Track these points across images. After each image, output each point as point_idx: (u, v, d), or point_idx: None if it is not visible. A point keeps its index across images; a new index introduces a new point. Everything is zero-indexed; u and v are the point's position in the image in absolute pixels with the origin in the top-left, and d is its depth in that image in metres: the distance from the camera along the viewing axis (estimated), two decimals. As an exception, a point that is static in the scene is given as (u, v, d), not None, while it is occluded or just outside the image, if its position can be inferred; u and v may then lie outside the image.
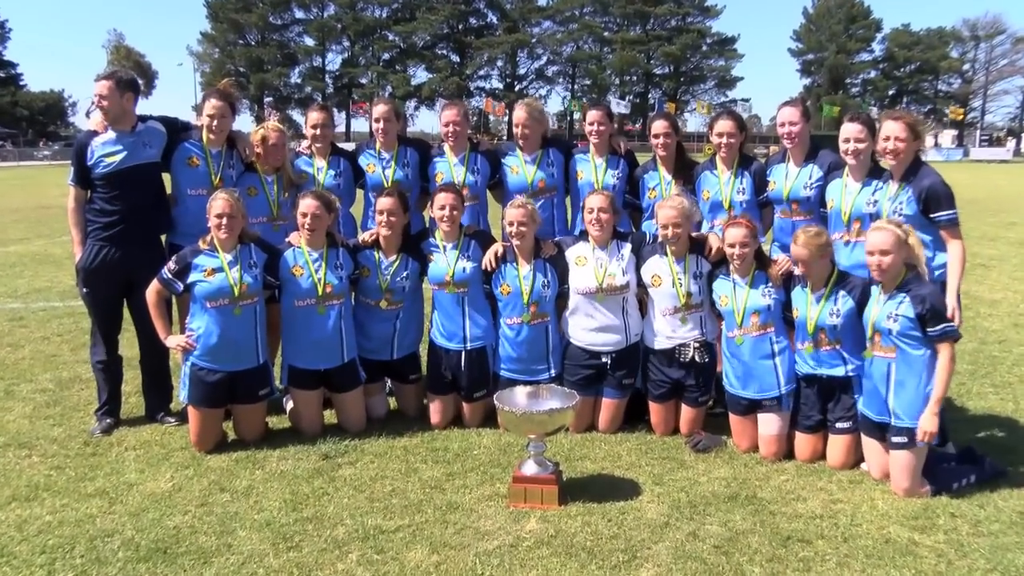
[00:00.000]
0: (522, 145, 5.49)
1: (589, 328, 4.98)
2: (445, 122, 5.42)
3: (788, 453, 4.63)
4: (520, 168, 5.48)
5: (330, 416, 5.26)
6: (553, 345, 5.06)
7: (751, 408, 4.70)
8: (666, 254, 4.87)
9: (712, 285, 4.81)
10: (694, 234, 4.91)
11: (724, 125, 5.10)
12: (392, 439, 4.92)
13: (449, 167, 5.47)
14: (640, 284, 4.98)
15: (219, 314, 4.65)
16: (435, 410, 5.13)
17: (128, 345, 5.39)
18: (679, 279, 4.82)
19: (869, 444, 4.34)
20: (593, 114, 5.39)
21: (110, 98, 4.80)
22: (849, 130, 4.62)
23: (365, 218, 5.46)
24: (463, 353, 5.08)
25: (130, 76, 4.95)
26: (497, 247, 5.11)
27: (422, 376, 5.32)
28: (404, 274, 5.08)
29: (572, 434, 4.99)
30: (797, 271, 4.55)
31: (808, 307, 4.46)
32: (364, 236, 5.14)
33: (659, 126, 5.27)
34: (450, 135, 5.41)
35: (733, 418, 4.80)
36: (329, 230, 4.97)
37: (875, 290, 4.26)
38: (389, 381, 5.54)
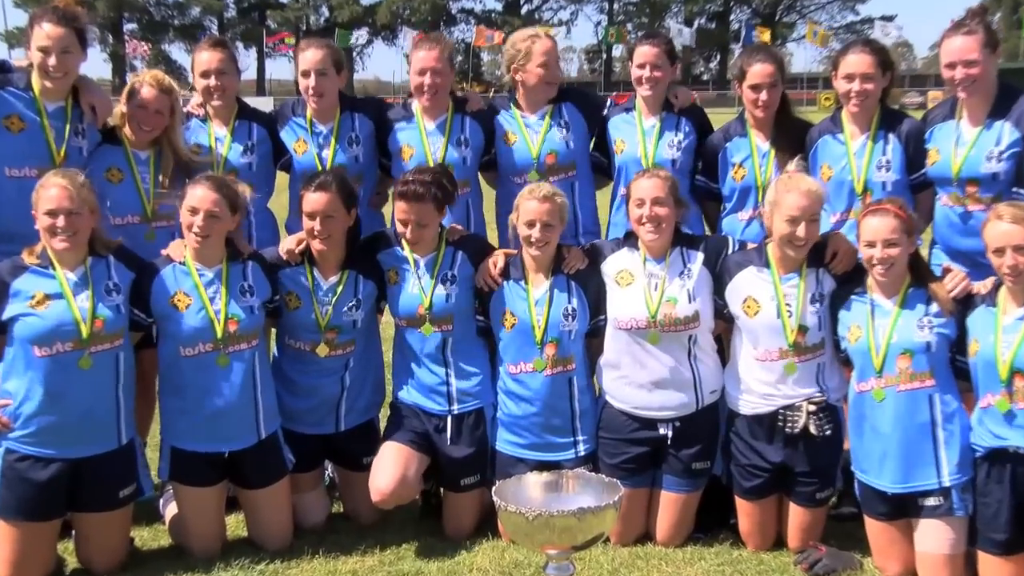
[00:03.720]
0: (522, 98, 5.55)
1: (639, 383, 4.98)
2: (418, 68, 5.46)
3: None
4: (519, 134, 5.54)
5: (237, 526, 5.20)
6: (582, 408, 5.08)
7: (900, 509, 4.63)
8: (768, 266, 4.87)
9: (838, 312, 4.79)
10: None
11: (856, 62, 5.11)
12: (334, 559, 4.87)
13: (421, 137, 5.52)
14: (720, 315, 5.00)
15: (56, 367, 4.59)
16: (385, 468, 5.02)
17: None
18: (788, 305, 4.80)
19: None
20: (645, 51, 5.45)
21: None
22: None
23: (292, 216, 5.46)
24: (448, 419, 5.13)
25: None
26: (497, 256, 5.15)
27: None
28: (353, 302, 5.10)
29: (615, 547, 4.97)
30: (979, 288, 4.55)
31: (998, 335, 4.39)
32: (289, 244, 5.15)
33: (760, 70, 5.28)
34: (426, 88, 5.45)
35: (872, 525, 4.74)
36: (231, 236, 4.98)
37: None
38: (331, 467, 5.55)
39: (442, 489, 5.29)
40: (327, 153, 5.49)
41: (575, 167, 5.54)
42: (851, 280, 4.79)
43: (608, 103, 5.71)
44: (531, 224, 4.91)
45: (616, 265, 5.04)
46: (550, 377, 5.00)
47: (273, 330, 5.26)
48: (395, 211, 5.03)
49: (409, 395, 5.20)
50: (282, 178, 5.76)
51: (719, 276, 4.96)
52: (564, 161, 5.50)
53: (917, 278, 4.64)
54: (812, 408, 4.77)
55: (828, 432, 4.79)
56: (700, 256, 4.98)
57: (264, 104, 5.57)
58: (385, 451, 5.10)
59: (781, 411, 4.81)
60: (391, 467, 5.03)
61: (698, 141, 5.51)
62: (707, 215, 5.65)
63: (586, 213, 5.62)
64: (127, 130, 5.22)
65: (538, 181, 5.23)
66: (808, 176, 4.85)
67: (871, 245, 4.55)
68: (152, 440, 5.35)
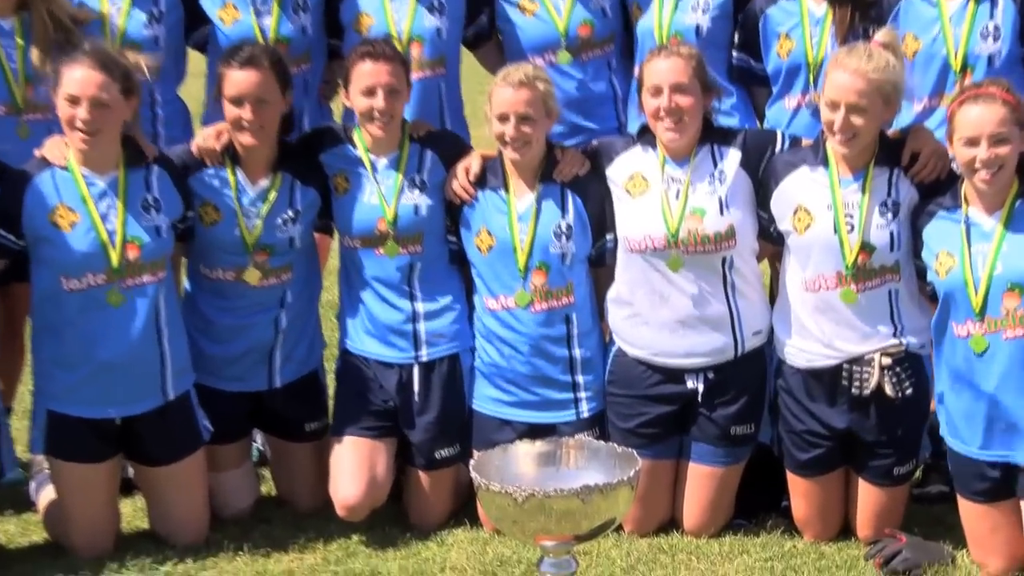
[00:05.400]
0: None
1: (659, 322, 4.79)
2: None
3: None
4: (539, 0, 5.42)
5: (135, 515, 5.10)
6: (585, 355, 4.94)
7: (1004, 487, 4.39)
8: (826, 163, 4.57)
9: (923, 233, 4.51)
10: (889, 131, 4.68)
11: None
12: (264, 557, 4.75)
13: (383, 3, 5.40)
14: (766, 234, 4.81)
15: None
16: (348, 471, 4.93)
17: None
18: (849, 215, 4.53)
19: None
20: None
21: None
22: None
23: (211, 108, 5.26)
24: (414, 369, 4.98)
25: None
26: (469, 161, 4.98)
27: (328, 424, 5.20)
28: (288, 214, 4.95)
29: (630, 536, 4.84)
30: None
31: None
32: (207, 139, 4.97)
33: None
34: None
35: (968, 508, 4.51)
36: (128, 131, 4.73)
37: None
38: (260, 437, 5.46)
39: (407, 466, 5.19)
40: (268, 22, 5.29)
41: (612, 41, 5.43)
42: (938, 190, 4.55)
43: None
44: (503, 118, 4.75)
45: (626, 168, 4.84)
46: (540, 314, 4.83)
47: (184, 260, 5.14)
48: (353, 83, 4.85)
49: (362, 342, 5.03)
50: (196, 61, 5.59)
51: (764, 182, 4.74)
52: (602, 34, 5.36)
53: None
54: (887, 361, 4.53)
55: (909, 392, 4.56)
56: (736, 155, 4.76)
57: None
58: (342, 450, 4.99)
59: (846, 366, 4.58)
60: (354, 471, 4.91)
61: (736, 7, 5.32)
62: (756, 104, 5.43)
63: (626, 101, 5.44)
64: None
65: (570, 62, 5.26)
66: (883, 51, 4.50)
67: (972, 143, 4.23)
68: (20, 405, 5.30)
